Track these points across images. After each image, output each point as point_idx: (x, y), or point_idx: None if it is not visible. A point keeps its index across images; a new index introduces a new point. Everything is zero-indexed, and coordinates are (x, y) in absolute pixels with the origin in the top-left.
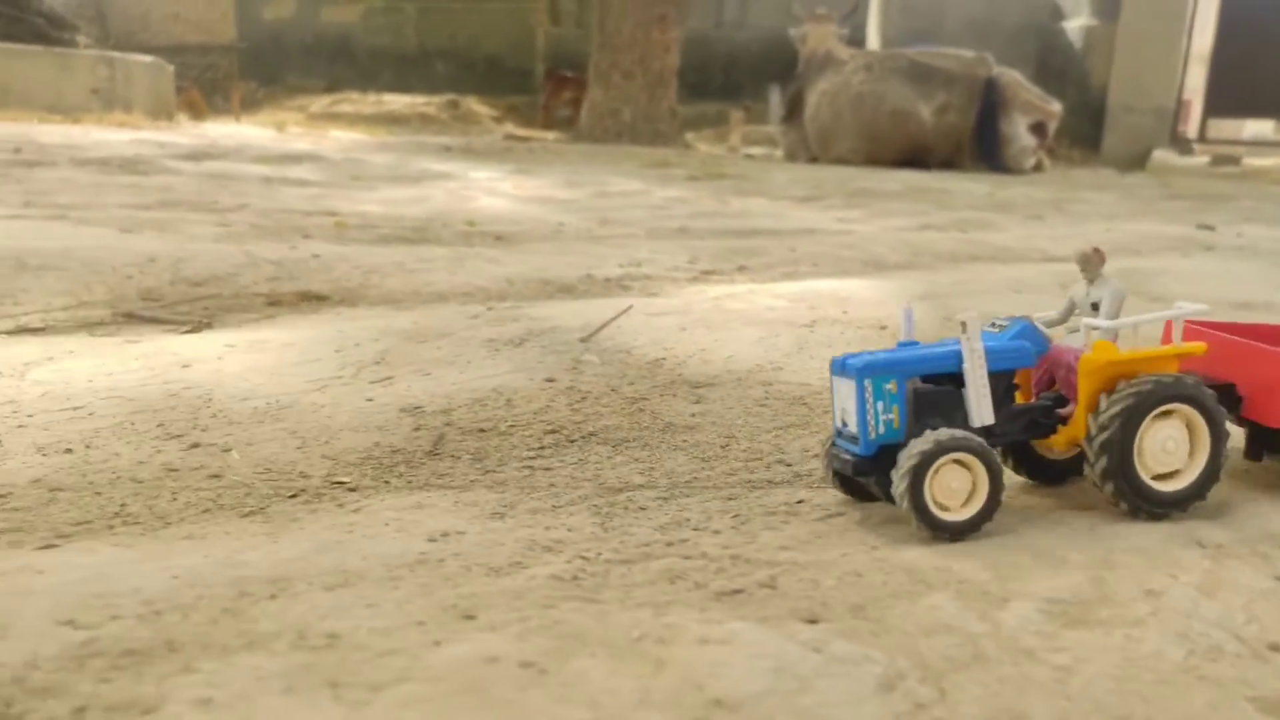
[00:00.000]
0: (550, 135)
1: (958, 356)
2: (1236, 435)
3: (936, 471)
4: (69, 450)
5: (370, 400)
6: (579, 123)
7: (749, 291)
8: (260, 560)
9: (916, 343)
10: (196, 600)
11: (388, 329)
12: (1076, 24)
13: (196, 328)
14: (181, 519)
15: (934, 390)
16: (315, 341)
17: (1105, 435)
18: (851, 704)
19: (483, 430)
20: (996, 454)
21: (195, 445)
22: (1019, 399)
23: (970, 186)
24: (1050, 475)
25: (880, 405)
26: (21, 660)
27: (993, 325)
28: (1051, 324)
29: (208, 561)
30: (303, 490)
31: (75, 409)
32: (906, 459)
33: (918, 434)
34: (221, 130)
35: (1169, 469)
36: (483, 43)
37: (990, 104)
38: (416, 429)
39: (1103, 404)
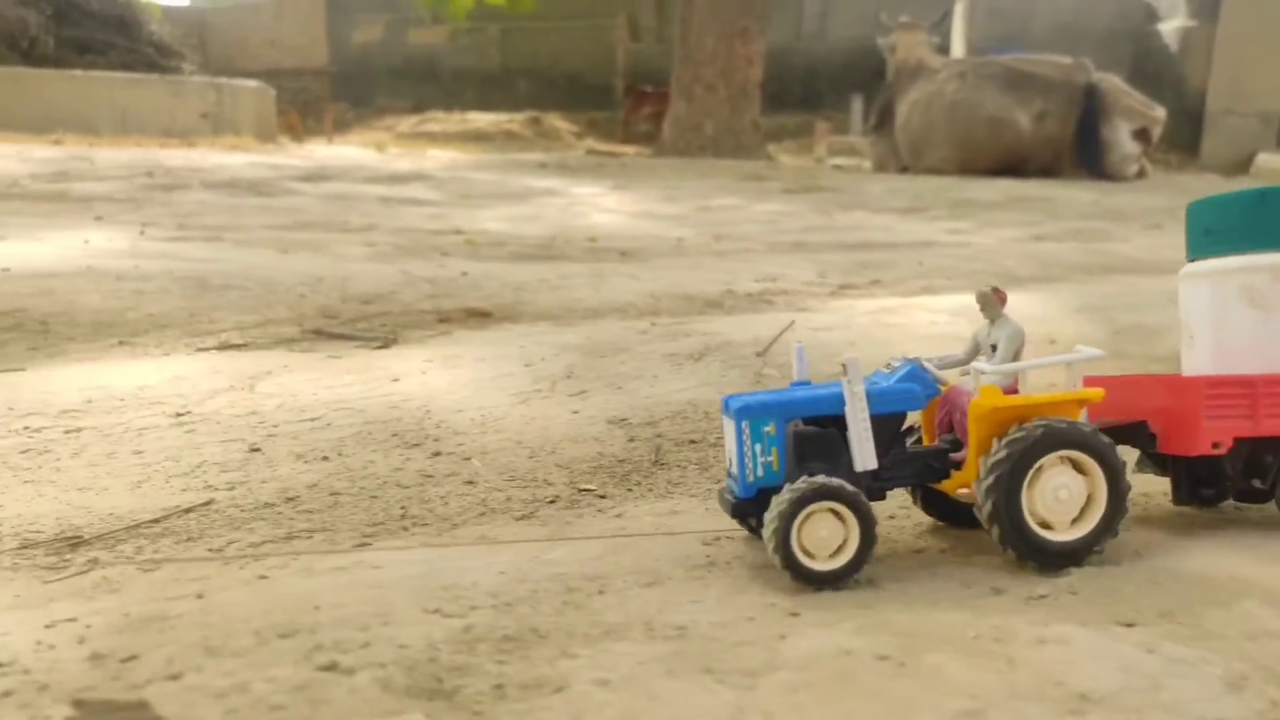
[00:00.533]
0: (631, 150)
1: (840, 399)
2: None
3: (806, 519)
4: (325, 458)
5: (576, 413)
6: (661, 137)
7: (902, 306)
8: (567, 559)
9: (809, 383)
10: (533, 594)
11: (564, 344)
12: (1172, 26)
13: (385, 344)
14: (464, 521)
15: (814, 433)
16: (503, 357)
17: (991, 500)
18: (1207, 701)
19: (693, 442)
20: (866, 501)
21: (437, 454)
22: (925, 441)
23: (1075, 195)
24: (959, 517)
25: (758, 447)
26: (423, 643)
27: (887, 366)
28: (954, 365)
29: (522, 560)
30: (557, 497)
31: (313, 420)
32: (774, 506)
33: (798, 478)
34: (324, 151)
35: (1063, 518)
36: (563, 60)
37: (1090, 110)
38: (630, 440)
39: (981, 466)
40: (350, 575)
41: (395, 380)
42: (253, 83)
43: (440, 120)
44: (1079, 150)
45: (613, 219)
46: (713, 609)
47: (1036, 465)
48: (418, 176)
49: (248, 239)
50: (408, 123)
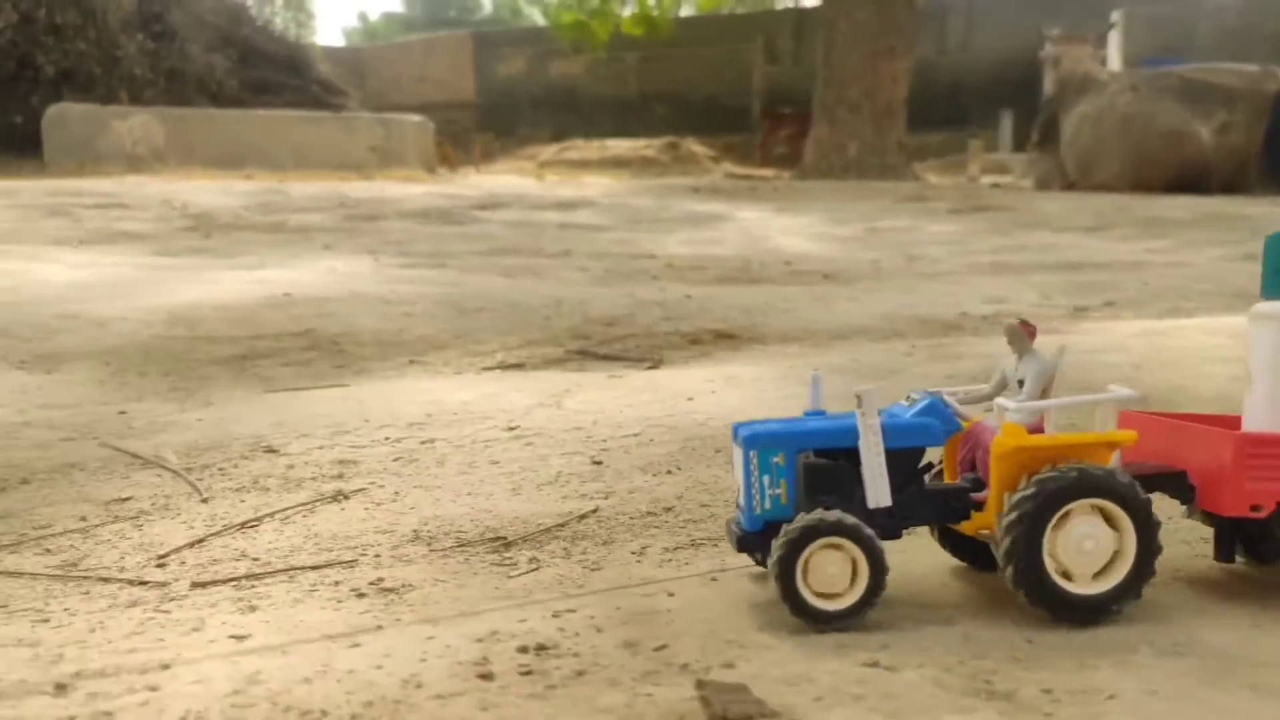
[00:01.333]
0: (769, 173)
1: (853, 431)
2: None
3: (811, 556)
4: (669, 471)
5: None
6: (803, 159)
7: (1173, 329)
8: None
9: (823, 412)
10: None
11: (833, 365)
12: None
13: (655, 364)
14: None
15: (826, 465)
16: (778, 377)
17: (1010, 537)
18: None
19: None
20: (876, 539)
21: None
22: (946, 478)
23: (1273, 211)
24: (978, 557)
25: (766, 479)
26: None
27: (907, 399)
28: (979, 400)
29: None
30: None
31: (634, 435)
32: (778, 542)
33: (809, 511)
34: (485, 180)
35: (1089, 570)
36: (700, 85)
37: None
38: None
39: (1005, 501)
40: None
41: (690, 399)
42: (416, 117)
43: (580, 148)
44: (1267, 162)
45: (795, 241)
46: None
47: (1064, 510)
48: (583, 203)
49: (467, 265)
50: (549, 151)
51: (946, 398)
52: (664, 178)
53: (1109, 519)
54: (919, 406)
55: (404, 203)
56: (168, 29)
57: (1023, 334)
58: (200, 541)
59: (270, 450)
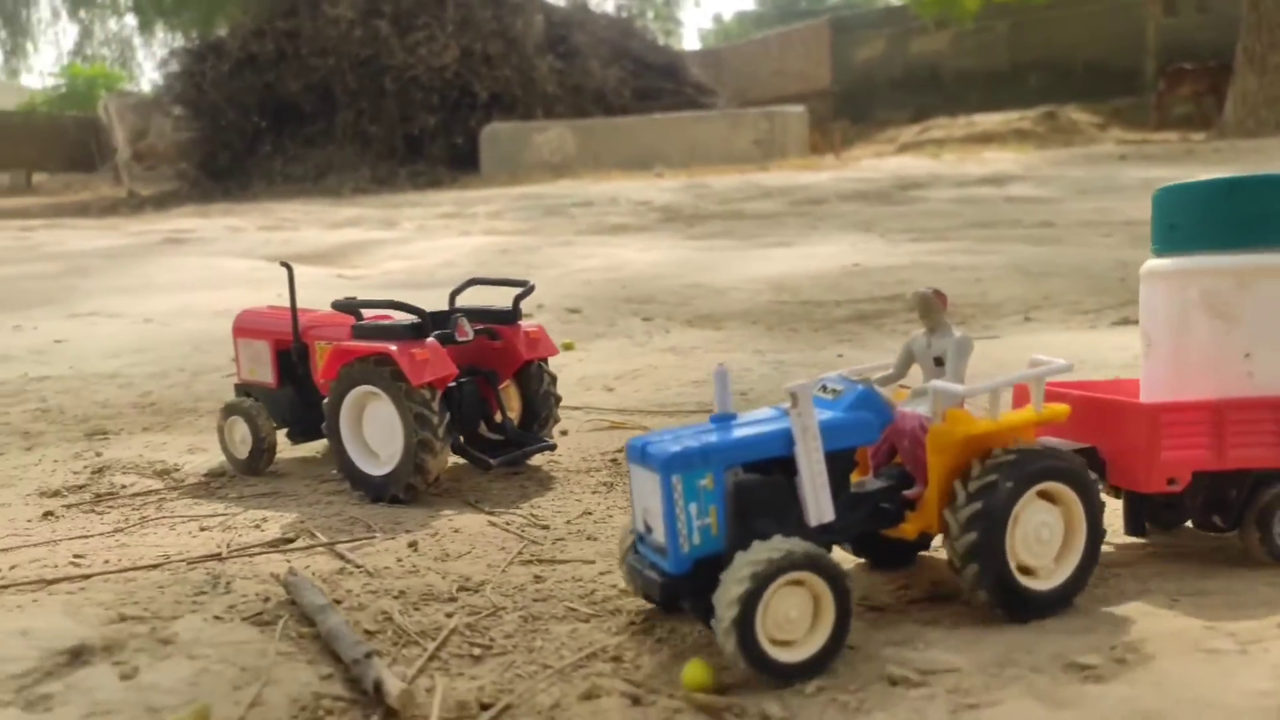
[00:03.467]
0: (1171, 135)
1: (787, 437)
2: None
3: (770, 599)
4: None
5: None
6: (1222, 117)
7: None
8: None
9: (733, 415)
10: None
11: None
12: None
13: None
14: None
15: (760, 482)
16: None
17: (974, 532)
18: None
19: None
20: (841, 568)
21: None
22: (854, 475)
23: None
24: (887, 555)
25: (694, 507)
26: None
27: (822, 389)
28: (887, 382)
29: None
30: None
31: None
32: (732, 584)
33: (742, 542)
34: (883, 164)
35: (1039, 562)
36: (1081, 48)
37: None
38: None
39: (959, 491)
40: None
41: None
42: (797, 108)
43: (944, 126)
44: None
45: None
46: None
47: (1020, 504)
48: (1006, 177)
49: (969, 237)
50: (909, 132)
51: (873, 385)
52: (1046, 150)
53: (1057, 503)
54: (848, 399)
55: (827, 187)
56: (571, 48)
57: (937, 304)
58: None
59: None
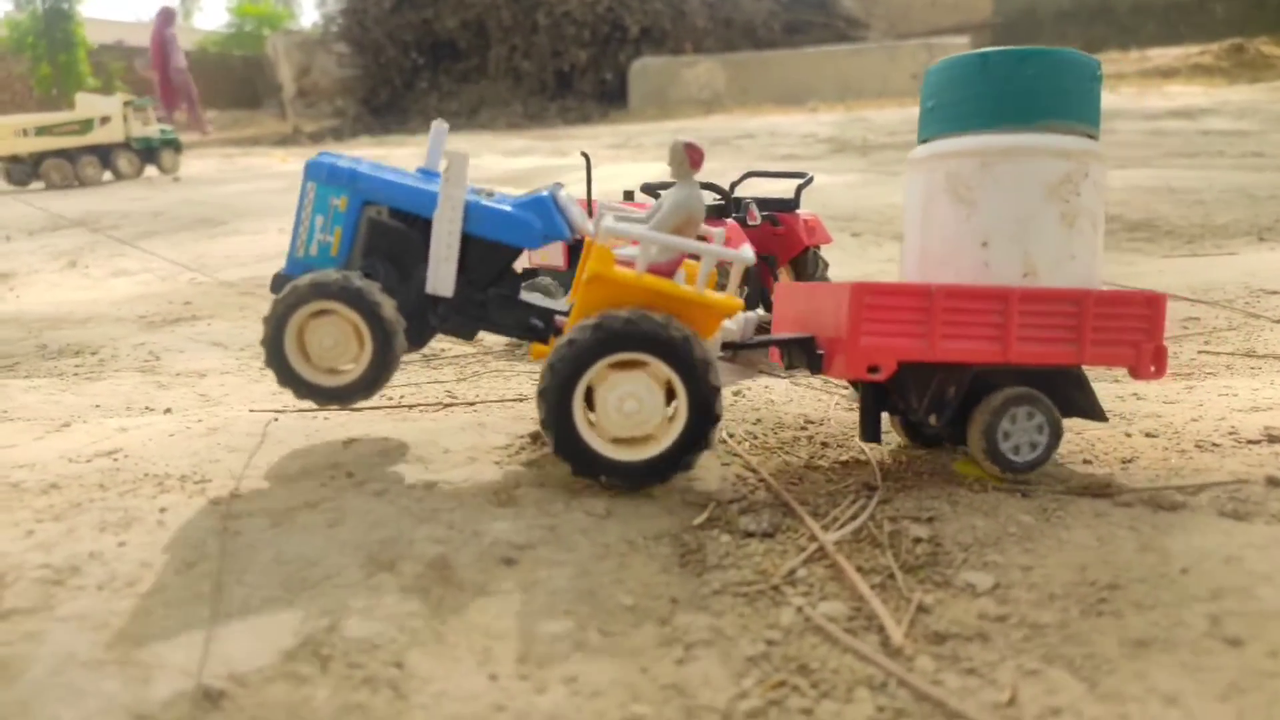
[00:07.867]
0: None
1: (435, 200)
2: None
3: (307, 320)
4: None
5: None
6: None
7: None
8: None
9: (435, 174)
10: None
11: None
12: None
13: None
14: None
15: (393, 228)
16: None
17: (544, 383)
18: None
19: None
20: (386, 313)
21: None
22: (571, 297)
23: None
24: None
25: (320, 220)
26: None
27: (485, 193)
28: (635, 221)
29: None
30: None
31: None
32: (277, 297)
33: (357, 271)
34: None
35: (632, 434)
36: None
37: None
38: None
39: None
40: None
41: None
42: (961, 38)
43: (1115, 60)
44: None
45: None
46: None
47: (598, 367)
48: (1198, 110)
49: (1176, 165)
50: None
51: (563, 199)
52: (1233, 85)
53: (657, 379)
54: (526, 200)
55: None
56: None
57: (684, 157)
58: None
59: None
